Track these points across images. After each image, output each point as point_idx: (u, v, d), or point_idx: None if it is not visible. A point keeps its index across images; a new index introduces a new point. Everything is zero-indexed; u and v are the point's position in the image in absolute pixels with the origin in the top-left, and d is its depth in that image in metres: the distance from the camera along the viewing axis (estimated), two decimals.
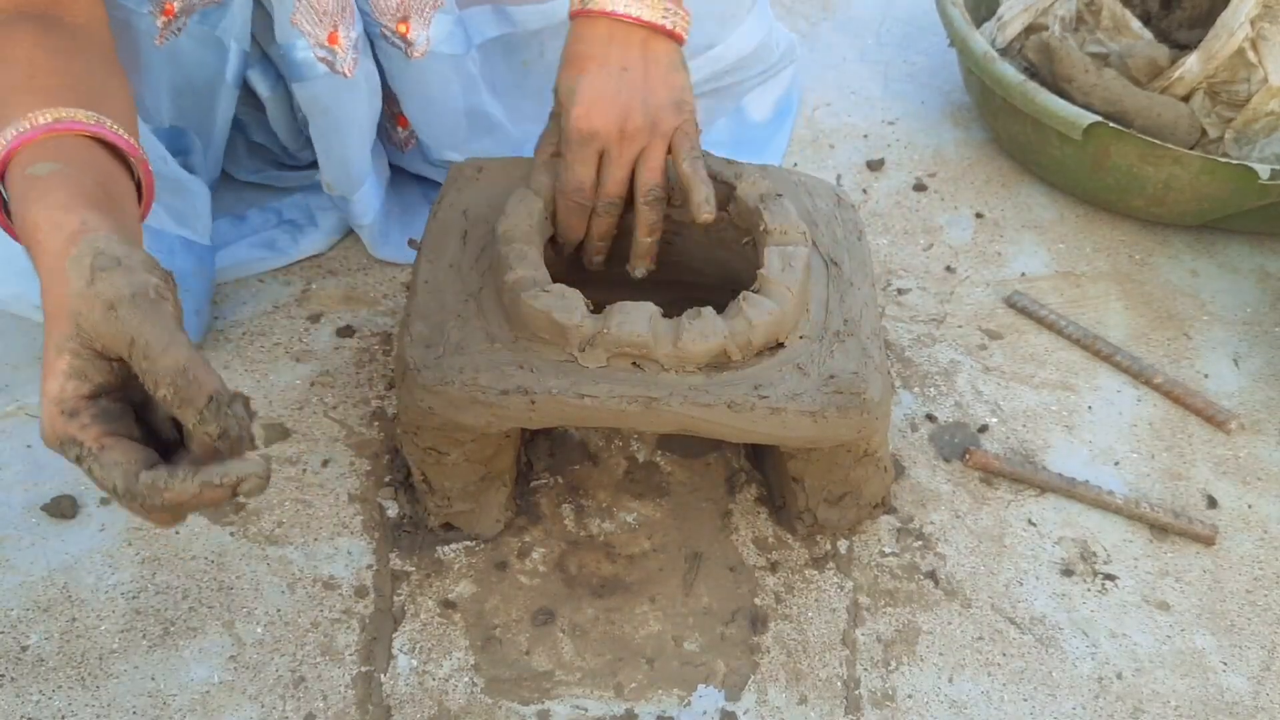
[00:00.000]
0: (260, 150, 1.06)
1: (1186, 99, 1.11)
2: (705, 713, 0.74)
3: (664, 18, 0.77)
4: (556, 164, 0.79)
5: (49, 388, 0.49)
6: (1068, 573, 0.83)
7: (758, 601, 0.80)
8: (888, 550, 0.84)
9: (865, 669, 0.77)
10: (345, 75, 0.89)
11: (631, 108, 0.76)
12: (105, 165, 0.60)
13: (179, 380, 0.47)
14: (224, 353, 0.94)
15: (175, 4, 0.85)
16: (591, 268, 0.84)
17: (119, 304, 0.48)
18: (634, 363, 0.72)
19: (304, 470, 0.86)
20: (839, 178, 1.17)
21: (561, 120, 0.78)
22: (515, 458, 0.82)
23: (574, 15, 0.78)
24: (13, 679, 0.73)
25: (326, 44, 0.87)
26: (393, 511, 0.83)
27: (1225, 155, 1.07)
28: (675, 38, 0.78)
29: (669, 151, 0.78)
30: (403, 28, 0.89)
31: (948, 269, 1.07)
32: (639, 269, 0.83)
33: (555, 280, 0.73)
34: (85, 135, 0.59)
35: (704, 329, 0.70)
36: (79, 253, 0.49)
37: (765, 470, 0.87)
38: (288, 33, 0.87)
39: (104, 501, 0.83)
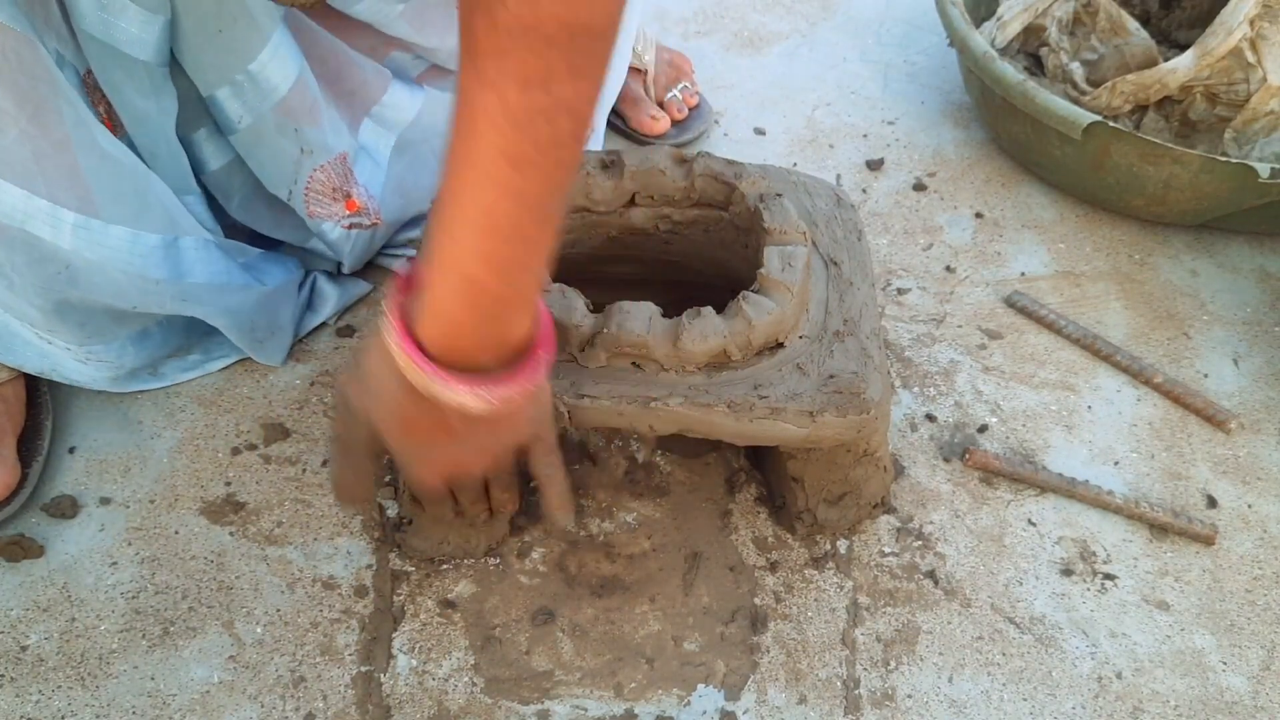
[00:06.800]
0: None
1: (1180, 98, 1.11)
2: (705, 713, 0.74)
3: None
4: None
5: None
6: (1067, 572, 0.83)
7: (757, 601, 0.80)
8: (887, 550, 0.84)
9: (865, 669, 0.77)
10: (377, 225, 0.92)
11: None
12: None
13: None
14: None
15: None
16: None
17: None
18: (634, 363, 0.72)
19: (304, 470, 0.86)
20: (839, 177, 1.17)
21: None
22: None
23: None
24: (13, 679, 0.73)
25: (348, 213, 0.89)
26: (392, 511, 0.83)
27: (1225, 154, 1.07)
28: None
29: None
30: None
31: (947, 269, 1.07)
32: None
33: (555, 280, 0.73)
34: None
35: (704, 329, 0.70)
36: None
37: (765, 470, 0.87)
38: (312, 223, 0.89)
39: (104, 501, 0.83)
